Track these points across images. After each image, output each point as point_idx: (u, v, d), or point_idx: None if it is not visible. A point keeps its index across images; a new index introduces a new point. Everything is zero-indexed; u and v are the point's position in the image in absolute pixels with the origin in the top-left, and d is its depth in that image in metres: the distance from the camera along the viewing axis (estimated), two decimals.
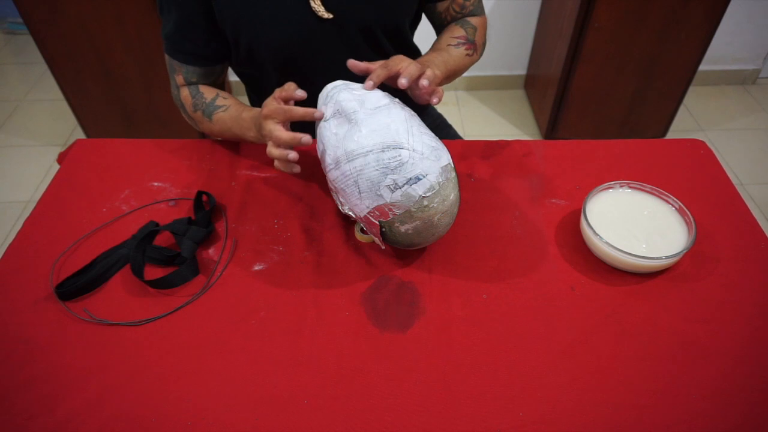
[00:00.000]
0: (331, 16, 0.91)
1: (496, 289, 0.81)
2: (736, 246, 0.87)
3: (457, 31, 1.02)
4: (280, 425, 0.66)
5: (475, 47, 1.03)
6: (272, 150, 0.80)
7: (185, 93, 1.00)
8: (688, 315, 0.77)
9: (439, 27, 1.08)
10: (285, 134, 0.78)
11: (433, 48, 1.00)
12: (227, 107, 0.96)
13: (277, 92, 0.81)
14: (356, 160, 0.72)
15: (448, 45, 0.99)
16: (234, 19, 0.90)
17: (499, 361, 0.72)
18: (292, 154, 0.78)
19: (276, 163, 0.81)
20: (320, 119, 0.79)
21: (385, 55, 1.04)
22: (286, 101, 0.81)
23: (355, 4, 0.92)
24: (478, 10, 1.07)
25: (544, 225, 0.90)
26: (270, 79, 1.03)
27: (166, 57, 0.98)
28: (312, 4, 0.90)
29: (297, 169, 0.80)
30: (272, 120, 0.80)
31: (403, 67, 0.80)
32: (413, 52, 1.14)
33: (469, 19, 1.05)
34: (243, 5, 0.89)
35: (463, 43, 1.00)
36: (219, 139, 1.04)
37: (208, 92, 0.99)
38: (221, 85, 1.05)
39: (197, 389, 0.69)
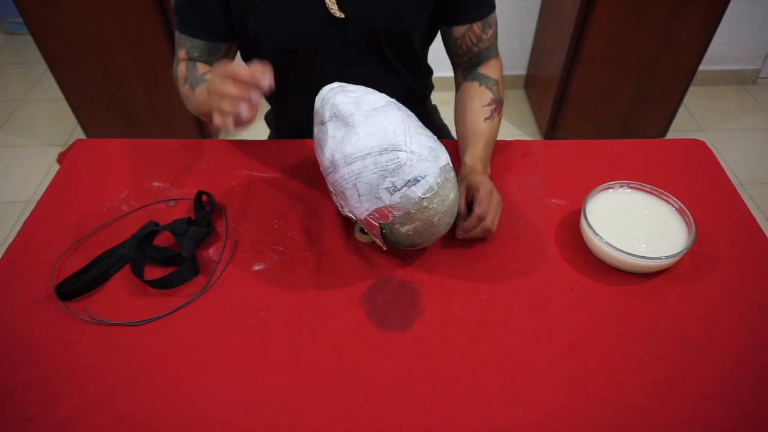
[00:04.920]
0: (342, 15, 0.91)
1: (496, 289, 0.81)
2: (736, 246, 0.87)
3: (485, 96, 0.99)
4: (280, 425, 0.66)
5: (502, 103, 1.02)
6: (226, 89, 0.69)
7: (182, 67, 0.98)
8: (688, 315, 0.77)
9: (454, 56, 1.04)
10: (232, 88, 0.69)
11: (469, 126, 0.98)
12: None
13: (250, 67, 0.70)
14: (354, 163, 0.72)
15: (485, 119, 0.97)
16: (245, 2, 0.90)
17: (499, 361, 0.72)
18: (245, 111, 0.69)
19: (215, 115, 0.71)
20: (255, 102, 0.70)
21: (387, 64, 1.03)
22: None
23: (368, 8, 0.92)
24: (493, 50, 1.03)
25: (544, 225, 0.90)
26: None
27: (176, 34, 0.98)
28: (327, 0, 0.89)
29: (232, 127, 0.71)
30: (218, 73, 0.72)
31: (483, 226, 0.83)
32: (422, 69, 1.13)
33: (486, 72, 1.02)
34: None
35: (494, 109, 0.99)
36: (199, 115, 0.96)
37: (202, 68, 0.96)
38: None
39: (197, 389, 0.69)
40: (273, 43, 0.95)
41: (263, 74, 0.69)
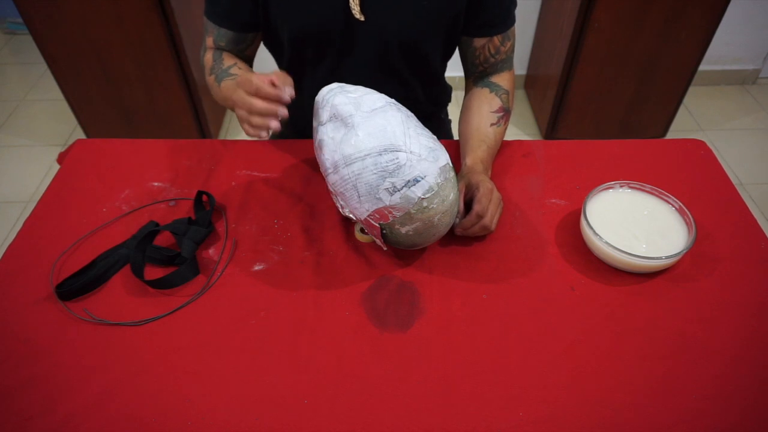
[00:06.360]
0: (362, 18, 0.90)
1: (496, 289, 0.81)
2: (736, 246, 0.87)
3: (493, 103, 0.99)
4: (280, 425, 0.66)
5: (510, 113, 1.02)
6: (254, 105, 0.76)
7: (209, 56, 1.01)
8: (688, 315, 0.77)
9: (470, 65, 1.04)
10: (261, 104, 0.76)
11: (474, 129, 0.97)
12: (236, 76, 0.95)
13: (270, 77, 0.78)
14: (354, 164, 0.72)
15: (491, 124, 0.97)
16: None
17: (499, 361, 0.72)
18: (275, 123, 0.76)
19: (246, 126, 0.79)
20: (283, 115, 0.76)
21: (395, 76, 1.01)
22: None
23: (389, 15, 0.91)
24: (508, 62, 1.04)
25: (544, 225, 0.90)
26: (281, 60, 1.03)
27: (204, 19, 1.00)
28: (351, 1, 0.89)
29: (265, 135, 0.78)
30: (243, 89, 0.78)
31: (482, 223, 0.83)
32: (438, 87, 1.12)
33: (499, 81, 1.02)
34: None
35: (502, 117, 0.99)
36: (223, 104, 1.01)
37: (228, 60, 0.99)
38: (249, 58, 1.05)
39: (197, 389, 0.69)
40: (289, 34, 0.95)
41: (284, 85, 0.75)
